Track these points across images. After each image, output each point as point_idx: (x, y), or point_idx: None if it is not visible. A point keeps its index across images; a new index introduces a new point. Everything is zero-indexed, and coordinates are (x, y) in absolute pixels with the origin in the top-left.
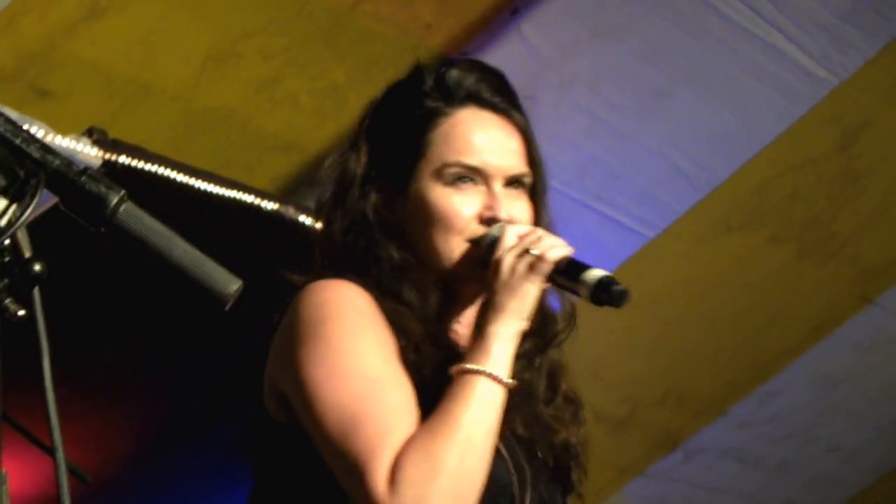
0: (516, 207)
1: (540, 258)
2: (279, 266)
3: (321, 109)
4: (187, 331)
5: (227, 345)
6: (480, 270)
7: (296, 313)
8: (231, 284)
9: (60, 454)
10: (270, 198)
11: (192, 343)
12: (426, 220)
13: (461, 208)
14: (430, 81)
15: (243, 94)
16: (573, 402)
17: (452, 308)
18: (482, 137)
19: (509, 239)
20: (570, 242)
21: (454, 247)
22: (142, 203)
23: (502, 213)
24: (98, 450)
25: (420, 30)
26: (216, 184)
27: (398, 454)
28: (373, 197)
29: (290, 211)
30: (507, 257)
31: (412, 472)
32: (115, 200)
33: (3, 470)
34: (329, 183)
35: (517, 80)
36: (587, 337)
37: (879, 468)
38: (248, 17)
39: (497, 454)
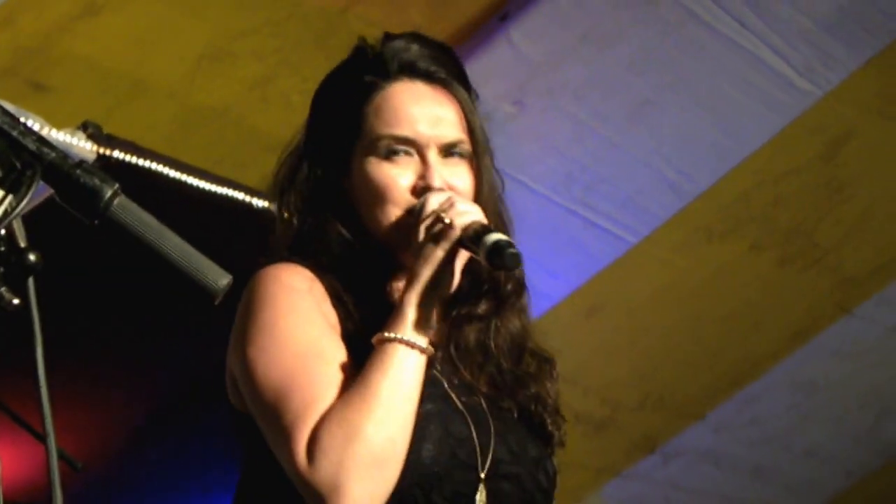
0: (455, 176)
1: (449, 225)
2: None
3: None
4: (178, 321)
5: (217, 335)
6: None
7: (241, 302)
8: (221, 279)
9: (52, 441)
10: (262, 195)
11: (182, 333)
12: (366, 195)
13: (395, 180)
14: (368, 57)
15: (237, 93)
16: (543, 359)
17: (398, 280)
18: (413, 108)
19: (427, 208)
20: (554, 246)
21: (391, 219)
22: (135, 198)
23: (436, 182)
24: (89, 437)
25: None
26: (208, 181)
27: (316, 425)
28: (319, 178)
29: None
30: (420, 226)
31: (328, 440)
32: (108, 194)
33: None
34: (282, 169)
35: (505, 85)
36: (569, 339)
37: (855, 473)
38: (242, 17)
39: (454, 409)
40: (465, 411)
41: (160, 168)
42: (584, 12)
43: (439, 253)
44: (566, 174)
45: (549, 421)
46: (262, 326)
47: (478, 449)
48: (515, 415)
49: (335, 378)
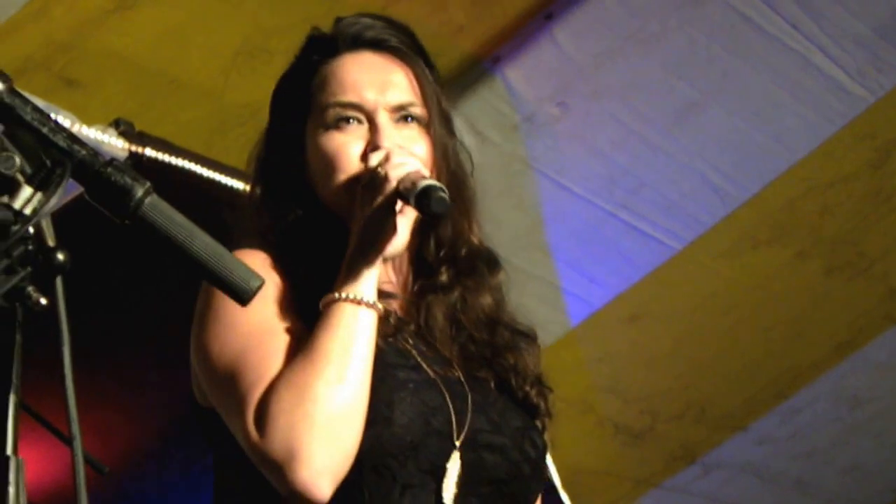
0: (409, 140)
1: (384, 177)
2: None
3: None
4: None
5: None
6: None
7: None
8: (252, 281)
9: (78, 443)
10: None
11: None
12: (318, 167)
13: (344, 148)
14: (317, 39)
15: (272, 91)
16: (519, 331)
17: None
18: (359, 74)
19: (370, 165)
20: (596, 251)
21: (340, 186)
22: (166, 196)
23: (384, 143)
24: (115, 440)
25: (452, 32)
26: (242, 180)
27: (263, 393)
28: (278, 160)
29: None
30: (360, 185)
31: (276, 405)
32: (140, 193)
33: (21, 458)
34: (252, 158)
35: (549, 86)
36: (609, 347)
37: None
38: (278, 13)
39: (426, 378)
40: (438, 381)
41: (193, 167)
42: (630, 13)
43: (374, 206)
44: (609, 178)
45: (532, 392)
46: (214, 314)
47: (453, 418)
48: (493, 385)
49: (287, 351)
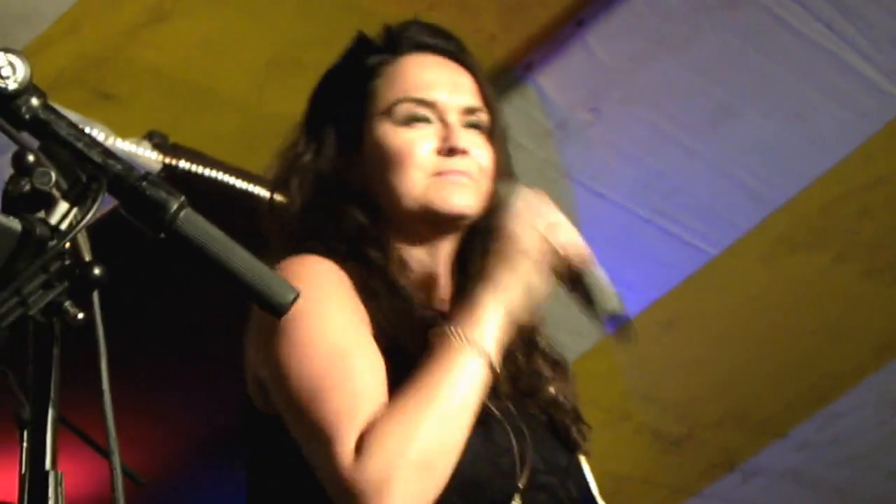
0: (476, 146)
1: (561, 256)
2: None
3: None
4: (242, 334)
5: None
6: (453, 218)
7: None
8: (288, 293)
9: (116, 457)
10: None
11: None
12: (384, 164)
13: (417, 143)
14: (370, 42)
15: (304, 103)
16: (555, 361)
17: (420, 259)
18: (430, 74)
19: (521, 205)
20: (631, 257)
21: (415, 183)
22: (201, 208)
23: (460, 143)
24: (153, 451)
25: (484, 41)
26: None
27: (369, 422)
28: (327, 162)
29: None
30: (526, 235)
31: (383, 440)
32: (175, 206)
33: (60, 471)
34: (282, 160)
35: (582, 92)
36: (645, 354)
37: None
38: (310, 25)
39: (491, 416)
40: (503, 418)
41: (226, 178)
42: (662, 17)
43: (540, 281)
44: (643, 183)
45: (573, 429)
46: (293, 321)
47: (517, 458)
48: (542, 419)
49: (375, 373)
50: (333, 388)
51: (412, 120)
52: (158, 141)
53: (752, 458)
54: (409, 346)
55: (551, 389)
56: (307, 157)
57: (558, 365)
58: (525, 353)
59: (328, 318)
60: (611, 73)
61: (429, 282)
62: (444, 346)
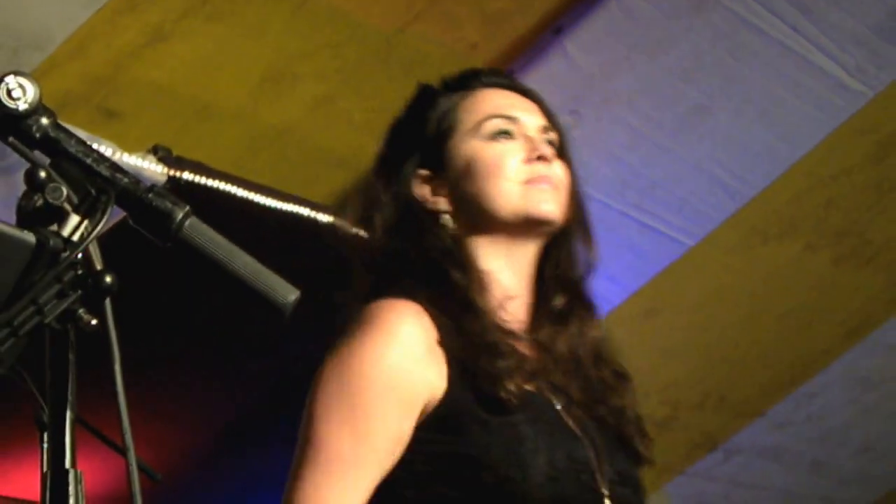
0: (555, 159)
1: None
2: (335, 274)
3: (373, 127)
4: (253, 333)
5: (293, 347)
6: (543, 222)
7: (346, 326)
8: (290, 294)
9: (132, 454)
10: (327, 211)
11: (258, 345)
12: (475, 178)
13: (507, 154)
14: (440, 86)
15: (300, 113)
16: (618, 373)
17: (500, 279)
18: (507, 99)
19: None
20: (612, 250)
21: (509, 191)
22: (204, 217)
23: (546, 151)
24: (168, 449)
25: (466, 49)
26: (275, 198)
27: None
28: (409, 191)
29: (345, 224)
30: None
31: None
32: (180, 216)
33: (79, 470)
34: (360, 201)
35: (561, 96)
36: (628, 342)
37: None
38: (303, 40)
39: (568, 431)
40: (581, 434)
41: (228, 187)
42: (636, 23)
43: None
44: (621, 180)
45: (637, 440)
46: (323, 407)
47: (597, 472)
48: (612, 429)
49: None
50: (308, 476)
51: (499, 134)
52: (163, 154)
53: (733, 438)
54: (480, 365)
55: (616, 399)
56: (388, 192)
57: (622, 376)
58: (594, 363)
59: (344, 425)
60: (589, 78)
61: (508, 302)
62: None
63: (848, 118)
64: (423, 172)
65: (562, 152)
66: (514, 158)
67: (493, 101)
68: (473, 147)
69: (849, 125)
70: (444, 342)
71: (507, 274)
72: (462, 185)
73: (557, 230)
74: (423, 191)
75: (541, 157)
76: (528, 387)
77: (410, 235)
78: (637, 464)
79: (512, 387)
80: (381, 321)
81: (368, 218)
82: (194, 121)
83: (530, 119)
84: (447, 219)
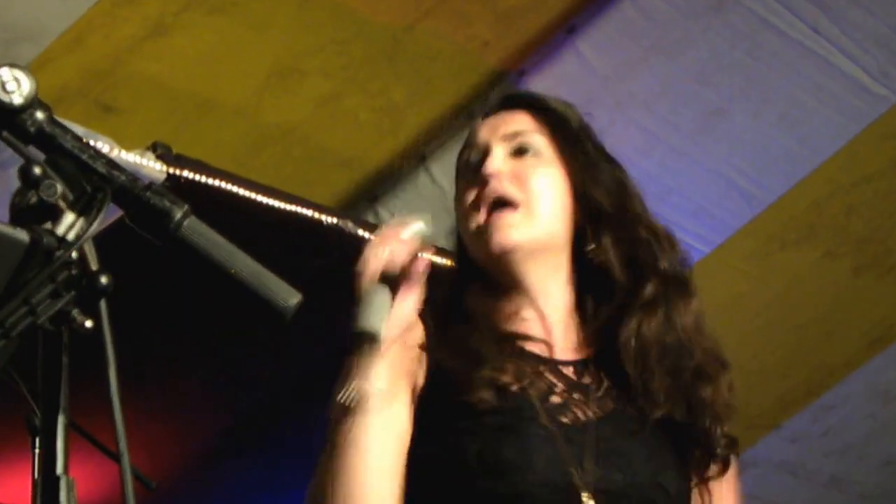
0: (524, 169)
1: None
2: (337, 277)
3: (379, 127)
4: (250, 337)
5: (290, 351)
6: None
7: None
8: (291, 297)
9: (126, 460)
10: (330, 212)
11: (254, 350)
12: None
13: (462, 198)
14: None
15: (304, 111)
16: (696, 380)
17: (523, 307)
18: (481, 129)
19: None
20: None
21: (469, 238)
22: (204, 217)
23: (487, 168)
24: (162, 455)
25: (478, 48)
26: (277, 198)
27: None
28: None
29: (349, 225)
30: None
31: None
32: (178, 215)
33: (71, 477)
34: None
35: (574, 98)
36: None
37: None
38: (309, 35)
39: (545, 433)
40: (559, 434)
41: (229, 187)
42: (652, 23)
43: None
44: (636, 184)
45: (695, 451)
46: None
47: (576, 469)
48: (649, 430)
49: None
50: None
51: (465, 170)
52: (162, 152)
53: (748, 451)
54: (455, 370)
55: (664, 411)
56: None
57: (699, 385)
58: (641, 369)
59: None
60: (602, 79)
61: (547, 331)
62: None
63: (870, 123)
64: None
65: (551, 156)
66: (465, 203)
67: (470, 134)
68: (456, 187)
69: (871, 130)
70: (427, 347)
71: (529, 304)
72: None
73: (537, 244)
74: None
75: (484, 182)
76: (513, 388)
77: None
78: (682, 464)
79: (483, 393)
80: None
81: None
82: (195, 117)
83: (494, 132)
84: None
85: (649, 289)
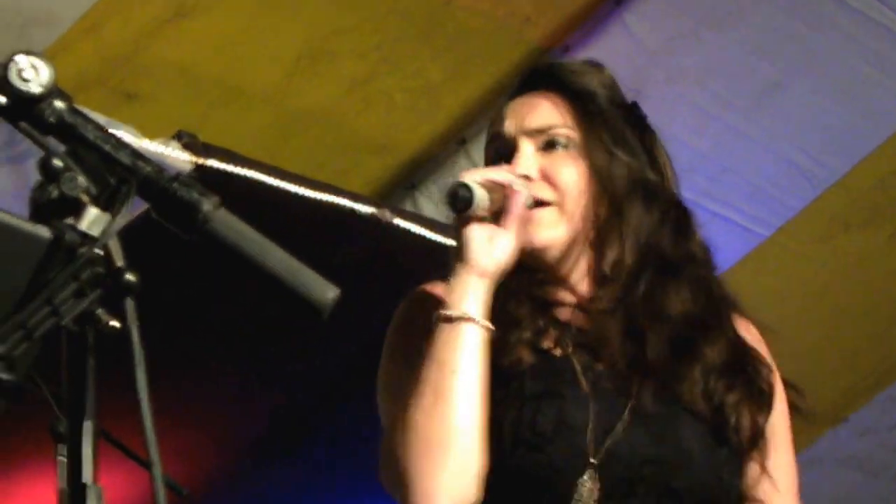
0: (553, 166)
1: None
2: (375, 269)
3: (416, 109)
4: (284, 338)
5: (324, 354)
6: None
7: None
8: (328, 293)
9: (157, 468)
10: (366, 201)
11: (288, 352)
12: None
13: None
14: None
15: (336, 95)
16: (736, 361)
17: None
18: (506, 110)
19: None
20: None
21: None
22: (234, 208)
23: (518, 169)
24: (196, 461)
25: (519, 24)
26: (310, 187)
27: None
28: None
29: (386, 214)
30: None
31: (385, 446)
32: (207, 207)
33: (99, 486)
34: None
35: (621, 74)
36: None
37: None
38: (339, 14)
39: (578, 394)
40: (591, 396)
41: (259, 176)
42: None
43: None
44: (688, 165)
45: (728, 429)
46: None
47: (592, 436)
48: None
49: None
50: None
51: (493, 160)
52: (188, 140)
53: (812, 446)
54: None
55: (699, 389)
56: None
57: (741, 365)
58: (668, 345)
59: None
60: (652, 53)
61: (580, 302)
62: (431, 334)
63: None
64: None
65: (582, 148)
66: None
67: (496, 121)
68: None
69: None
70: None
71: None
72: None
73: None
74: None
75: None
76: (556, 352)
77: None
78: (720, 445)
79: (523, 354)
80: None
81: None
82: (221, 104)
83: (521, 124)
84: None
85: (645, 277)
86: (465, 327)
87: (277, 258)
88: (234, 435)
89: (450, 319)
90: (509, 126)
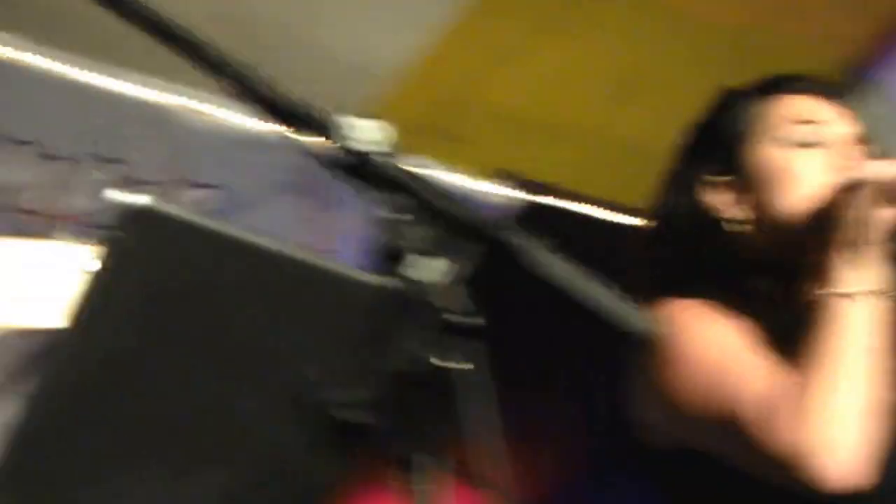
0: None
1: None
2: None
3: None
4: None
5: None
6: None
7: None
8: (643, 324)
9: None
10: None
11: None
12: (771, 187)
13: (808, 165)
14: (742, 90)
15: (652, 125)
16: None
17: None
18: (813, 104)
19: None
20: None
21: (800, 206)
22: (558, 242)
23: (860, 173)
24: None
25: (823, 42)
26: (633, 215)
27: (787, 394)
28: (702, 195)
29: None
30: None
31: (808, 404)
32: (533, 251)
33: None
34: (656, 199)
35: None
36: None
37: None
38: (648, 49)
39: None
40: None
41: (580, 208)
42: None
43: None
44: None
45: None
46: (677, 357)
47: None
48: None
49: (769, 359)
50: (740, 380)
51: (800, 143)
52: (511, 179)
53: None
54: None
55: None
56: (680, 197)
57: None
58: None
59: (711, 335)
60: None
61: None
62: (826, 312)
63: None
64: (716, 179)
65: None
66: (814, 170)
67: (797, 107)
68: (772, 155)
69: None
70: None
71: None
72: (758, 195)
73: None
74: (714, 198)
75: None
76: None
77: (697, 242)
78: None
79: None
80: (675, 306)
81: (660, 220)
82: (541, 141)
83: (836, 127)
84: (738, 226)
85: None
86: (869, 307)
87: (599, 294)
88: (578, 453)
89: (848, 296)
90: (828, 120)
